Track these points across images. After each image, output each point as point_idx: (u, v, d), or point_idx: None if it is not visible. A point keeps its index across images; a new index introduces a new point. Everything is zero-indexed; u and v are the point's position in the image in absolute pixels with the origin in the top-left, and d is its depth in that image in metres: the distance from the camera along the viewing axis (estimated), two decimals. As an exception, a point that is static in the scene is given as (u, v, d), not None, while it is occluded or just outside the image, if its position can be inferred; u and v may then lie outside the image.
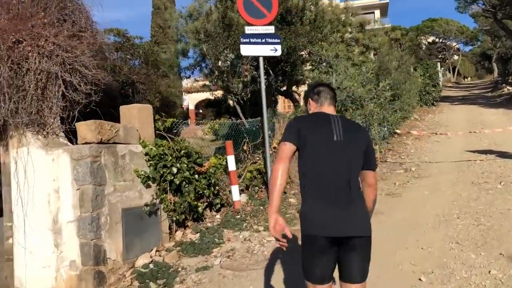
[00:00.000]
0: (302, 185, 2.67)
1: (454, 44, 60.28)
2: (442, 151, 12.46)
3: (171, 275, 4.87)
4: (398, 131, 11.46)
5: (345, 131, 2.66)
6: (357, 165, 2.68)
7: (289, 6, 9.94)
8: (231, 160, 6.78)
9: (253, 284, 4.49)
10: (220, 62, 10.44)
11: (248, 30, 7.07)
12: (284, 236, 2.54)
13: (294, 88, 14.11)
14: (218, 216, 6.68)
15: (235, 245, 5.66)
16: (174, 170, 5.75)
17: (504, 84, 38.32)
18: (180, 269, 5.04)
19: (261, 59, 7.21)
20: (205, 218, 6.56)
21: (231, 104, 11.23)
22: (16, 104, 5.21)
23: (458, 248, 4.96)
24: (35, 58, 5.30)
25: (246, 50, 7.08)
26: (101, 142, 5.02)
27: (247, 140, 7.62)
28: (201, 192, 6.26)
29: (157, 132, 6.04)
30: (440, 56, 56.80)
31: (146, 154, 5.56)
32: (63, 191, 5.00)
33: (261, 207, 6.97)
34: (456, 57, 63.34)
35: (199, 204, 6.27)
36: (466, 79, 63.90)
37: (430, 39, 57.41)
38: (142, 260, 5.21)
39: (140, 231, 5.41)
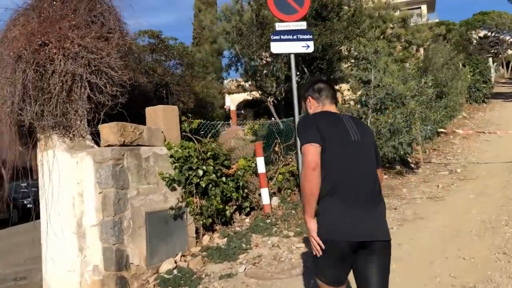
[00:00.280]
0: (321, 187, 2.38)
1: (508, 38, 57.41)
2: (492, 151, 11.74)
3: (193, 282, 4.69)
4: (442, 130, 10.85)
5: (359, 130, 2.51)
6: (376, 165, 2.55)
7: (325, 1, 9.58)
8: (260, 162, 6.54)
9: (277, 295, 4.25)
10: (253, 62, 10.23)
11: (279, 26, 6.82)
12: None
13: (337, 86, 13.69)
14: (247, 220, 6.47)
15: (262, 251, 5.42)
16: (200, 172, 5.59)
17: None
18: (203, 276, 4.86)
19: (292, 57, 6.93)
20: (234, 222, 6.37)
21: (269, 104, 10.98)
22: (42, 106, 5.20)
23: (505, 259, 4.50)
24: (60, 60, 5.27)
25: (277, 47, 6.83)
26: (124, 145, 4.92)
27: (279, 141, 7.36)
28: (229, 195, 6.06)
29: (184, 133, 5.89)
30: (492, 51, 54.25)
31: (171, 156, 5.42)
32: (86, 194, 4.94)
33: (293, 211, 6.69)
34: (510, 51, 60.40)
35: (227, 207, 6.08)
36: (522, 74, 60.71)
37: (482, 34, 54.94)
38: (166, 266, 5.07)
39: (165, 235, 5.28)
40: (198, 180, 5.59)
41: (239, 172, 6.30)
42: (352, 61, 11.95)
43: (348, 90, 10.31)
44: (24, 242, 5.56)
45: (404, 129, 8.46)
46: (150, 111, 5.64)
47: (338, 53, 10.45)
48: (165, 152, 5.40)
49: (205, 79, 13.64)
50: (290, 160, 7.55)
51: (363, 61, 10.28)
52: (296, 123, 6.90)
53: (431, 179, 9.05)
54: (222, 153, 6.15)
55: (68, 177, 5.11)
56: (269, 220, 6.33)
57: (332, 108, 2.64)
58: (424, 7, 40.55)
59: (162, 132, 5.46)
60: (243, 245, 5.59)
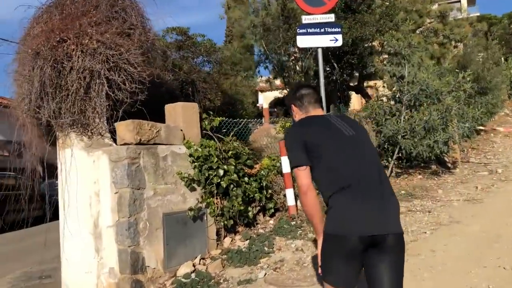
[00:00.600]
0: (326, 192, 2.31)
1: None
2: (536, 151, 11.03)
3: (211, 287, 4.47)
4: (482, 127, 10.26)
5: (350, 125, 2.48)
6: (378, 156, 2.49)
7: (355, -8, 9.20)
8: (285, 161, 6.26)
9: (298, 304, 3.97)
10: (279, 57, 9.93)
11: (306, 19, 6.53)
12: None
13: (366, 83, 13.23)
14: (271, 221, 6.21)
15: (285, 255, 5.14)
16: (221, 172, 5.37)
17: None
18: (222, 280, 4.63)
19: (319, 51, 6.62)
20: (257, 224, 6.12)
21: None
22: (59, 104, 5.10)
23: (551, 270, 4.07)
24: (78, 57, 5.16)
25: (303, 41, 6.54)
26: (140, 143, 4.75)
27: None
28: (251, 195, 5.82)
29: (204, 132, 5.68)
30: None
31: (190, 155, 5.22)
32: (103, 194, 4.80)
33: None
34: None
35: (249, 208, 5.84)
36: None
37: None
38: (184, 269, 4.87)
39: (184, 237, 5.08)
40: (219, 180, 5.37)
41: (262, 172, 6.05)
42: (386, 56, 11.51)
43: (383, 87, 9.88)
44: (54, 239, 5.52)
45: (440, 127, 7.98)
46: (170, 108, 5.45)
47: (370, 48, 10.01)
48: (184, 151, 5.20)
49: (234, 77, 13.46)
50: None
51: (397, 56, 9.84)
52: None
53: (469, 179, 8.53)
54: (245, 152, 5.90)
55: (85, 176, 4.99)
56: (294, 222, 6.04)
57: (317, 112, 2.59)
58: (464, 1, 39.07)
59: (181, 130, 5.27)
60: (265, 249, 5.33)
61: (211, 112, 5.79)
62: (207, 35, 10.57)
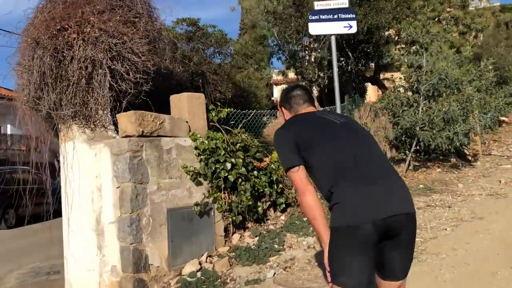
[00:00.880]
0: (326, 186, 2.15)
1: None
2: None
3: (216, 287, 4.23)
4: (504, 118, 9.83)
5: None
6: (374, 139, 2.42)
7: (370, -23, 8.80)
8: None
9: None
10: (291, 46, 9.61)
11: (318, 5, 6.22)
12: None
13: (382, 74, 12.81)
14: (282, 217, 5.94)
15: (296, 253, 4.88)
16: (228, 165, 5.12)
17: None
18: (229, 280, 4.39)
19: (333, 39, 6.30)
20: (267, 219, 5.86)
21: (315, 93, 10.34)
22: (60, 95, 4.91)
23: None
24: (79, 46, 4.95)
25: (316, 28, 6.22)
26: (142, 135, 4.52)
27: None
28: (261, 190, 5.56)
29: (211, 123, 5.43)
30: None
31: (196, 148, 4.98)
32: (104, 189, 4.60)
33: (333, 208, 6.10)
34: None
35: (259, 203, 5.59)
36: None
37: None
38: (189, 267, 4.65)
39: (190, 234, 4.85)
40: (226, 174, 5.12)
41: (272, 165, 5.78)
42: (403, 45, 11.10)
43: (400, 78, 9.51)
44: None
45: (460, 118, 7.61)
46: (175, 99, 5.21)
47: (386, 37, 9.63)
48: (189, 144, 4.96)
49: (246, 69, 13.17)
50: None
51: (414, 44, 9.45)
52: (337, 111, 6.28)
53: (492, 173, 8.14)
54: (254, 145, 5.64)
55: (87, 170, 4.80)
56: (306, 218, 5.77)
57: (307, 111, 2.50)
58: (486, -11, 37.99)
59: (187, 122, 5.02)
60: (275, 246, 5.08)
61: (219, 103, 5.53)
62: (222, 29, 10.31)
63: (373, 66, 11.63)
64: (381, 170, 2.18)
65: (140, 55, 5.22)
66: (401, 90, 9.14)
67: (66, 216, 5.07)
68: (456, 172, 8.27)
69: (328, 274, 2.13)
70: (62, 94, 4.89)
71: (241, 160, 5.24)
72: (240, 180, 5.27)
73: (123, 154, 4.38)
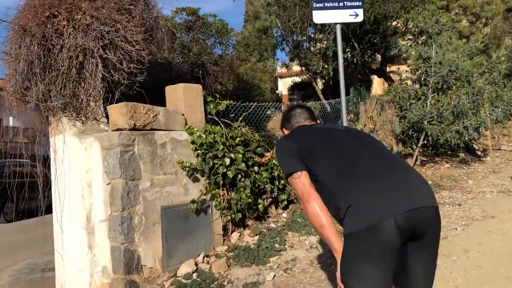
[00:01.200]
0: (337, 192, 1.90)
1: None
2: None
3: (212, 291, 3.98)
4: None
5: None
6: (382, 143, 2.31)
7: (378, -36, 8.44)
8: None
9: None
10: (295, 36, 9.28)
11: (322, -8, 5.89)
12: None
13: (389, 67, 12.45)
14: (284, 214, 5.68)
15: (297, 253, 4.62)
16: (227, 161, 4.85)
17: None
18: (226, 282, 4.13)
19: (338, 28, 5.99)
20: (269, 217, 5.60)
21: (315, 85, 10.00)
22: (49, 86, 4.64)
23: None
24: (69, 34, 4.67)
25: (320, 17, 5.93)
26: (135, 129, 4.25)
27: (323, 125, 6.46)
28: (262, 187, 5.30)
29: (209, 116, 5.16)
30: None
31: (193, 142, 4.71)
32: (95, 185, 4.34)
33: (337, 205, 5.83)
34: None
35: (260, 200, 5.33)
36: None
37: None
38: (185, 268, 4.39)
39: (186, 232, 4.59)
40: (225, 170, 4.86)
41: (274, 160, 5.50)
42: (410, 37, 10.76)
43: (406, 71, 9.19)
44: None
45: (470, 111, 7.30)
46: (170, 91, 4.94)
47: (394, 27, 9.29)
48: (185, 138, 4.69)
49: (250, 62, 12.85)
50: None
51: (423, 35, 9.13)
52: (342, 104, 6.00)
53: (503, 169, 7.84)
54: (254, 139, 5.37)
55: (77, 165, 4.55)
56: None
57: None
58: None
59: (183, 114, 4.75)
60: (276, 245, 4.82)
61: (217, 95, 5.26)
62: (227, 21, 9.95)
63: (380, 58, 11.30)
64: (396, 164, 1.97)
65: (134, 43, 4.94)
66: (409, 82, 8.82)
67: (56, 212, 4.84)
68: (465, 168, 7.97)
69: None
70: (51, 85, 4.62)
71: (240, 155, 4.97)
72: (239, 176, 5.01)
73: (113, 148, 4.12)
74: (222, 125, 5.07)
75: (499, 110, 7.99)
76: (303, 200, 1.98)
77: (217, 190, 4.86)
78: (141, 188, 4.24)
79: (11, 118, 19.22)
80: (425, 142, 8.04)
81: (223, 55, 9.56)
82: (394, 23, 9.61)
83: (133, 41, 4.96)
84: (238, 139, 5.06)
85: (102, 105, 4.97)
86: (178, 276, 4.34)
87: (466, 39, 10.35)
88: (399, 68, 12.79)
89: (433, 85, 7.72)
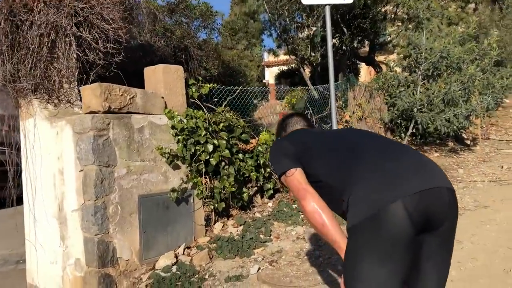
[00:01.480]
0: (337, 185, 1.68)
1: None
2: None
3: (192, 285, 3.73)
4: (507, 100, 9.39)
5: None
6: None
7: None
8: (286, 136, 5.46)
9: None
10: (283, 20, 8.96)
11: (311, -28, 5.61)
12: None
13: (377, 57, 12.23)
14: (270, 204, 5.45)
15: (283, 244, 4.39)
16: (210, 147, 4.58)
17: None
18: (207, 276, 3.89)
19: (327, 9, 5.71)
20: (254, 207, 5.36)
21: (302, 71, 9.72)
22: (17, 65, 4.31)
23: None
24: (39, 10, 4.34)
25: (309, -2, 5.64)
26: (110, 111, 3.95)
27: (310, 111, 6.23)
28: (247, 175, 5.06)
29: (192, 100, 4.87)
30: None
31: (173, 127, 4.43)
32: (67, 172, 4.04)
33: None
34: None
35: (244, 189, 5.08)
36: None
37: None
38: (164, 261, 4.14)
39: (165, 223, 4.33)
40: (208, 157, 4.59)
41: (259, 147, 5.26)
42: (399, 24, 10.54)
43: (394, 60, 8.98)
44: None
45: (461, 99, 7.12)
46: (149, 72, 4.63)
47: (384, 12, 9.05)
48: (165, 122, 4.41)
49: (236, 47, 12.54)
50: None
51: (413, 21, 8.92)
52: (331, 90, 5.75)
53: (493, 158, 7.71)
54: (239, 125, 5.10)
55: (48, 151, 4.24)
56: (295, 205, 5.28)
57: None
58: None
59: (162, 97, 4.46)
60: (261, 236, 4.59)
61: (200, 78, 4.97)
62: (212, 5, 9.59)
63: (368, 46, 11.07)
64: (403, 148, 1.74)
65: (110, 21, 4.63)
66: (398, 69, 8.62)
67: (28, 201, 4.53)
68: (455, 157, 7.82)
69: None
70: (20, 64, 4.29)
71: (224, 142, 4.70)
72: (223, 163, 4.75)
73: (86, 132, 3.82)
74: (204, 110, 4.80)
75: (489, 98, 7.82)
76: (299, 198, 1.75)
77: (199, 178, 4.59)
78: (116, 175, 3.95)
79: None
80: (414, 130, 7.86)
81: (208, 39, 9.24)
82: (384, 8, 9.36)
83: (110, 19, 4.65)
84: (222, 124, 4.80)
85: (76, 87, 4.65)
86: (157, 269, 4.08)
87: (455, 25, 10.13)
88: (386, 58, 12.61)
89: (424, 72, 7.53)
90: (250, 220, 4.97)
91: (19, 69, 4.30)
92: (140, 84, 4.96)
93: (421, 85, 7.56)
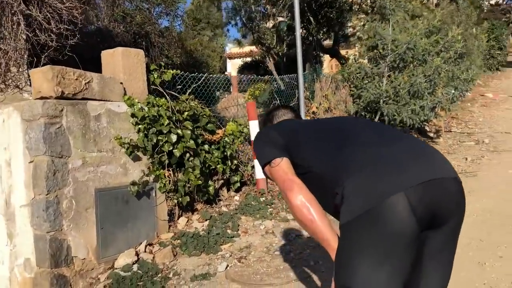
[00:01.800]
0: (328, 174, 1.46)
1: (520, 5, 55.84)
2: (519, 120, 10.42)
3: (155, 285, 3.46)
4: (469, 93, 9.53)
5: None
6: None
7: None
8: (254, 127, 5.24)
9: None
10: (248, 7, 8.71)
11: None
12: None
13: (341, 50, 12.18)
14: (236, 197, 5.22)
15: (252, 240, 4.18)
16: (173, 137, 4.29)
17: None
18: (171, 274, 3.62)
19: (296, -4, 5.53)
20: (220, 200, 5.12)
21: (268, 61, 9.50)
22: (-44, 45, 3.89)
23: None
24: (-18, -16, 3.93)
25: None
26: (63, 97, 3.59)
27: (278, 102, 6.03)
28: (213, 167, 4.80)
29: (154, 87, 4.56)
30: (503, 19, 52.27)
31: (133, 115, 4.11)
32: (14, 163, 3.66)
33: (293, 187, 5.44)
34: (521, 20, 58.72)
35: (210, 182, 4.83)
36: (530, 45, 59.33)
37: (493, 1, 52.81)
38: (124, 259, 3.83)
39: (125, 219, 4.02)
40: (171, 148, 4.31)
41: (226, 138, 5.02)
42: (363, 16, 10.50)
43: (355, 54, 8.91)
44: None
45: (426, 91, 7.10)
46: (107, 56, 4.28)
47: (350, 2, 8.96)
48: (124, 110, 4.08)
49: (200, 35, 12.20)
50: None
51: (378, 12, 8.85)
52: (299, 80, 5.57)
53: (456, 150, 7.77)
54: (205, 114, 4.84)
55: (-6, 141, 3.84)
56: (263, 199, 5.08)
57: None
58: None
59: (121, 83, 4.13)
60: (228, 231, 4.35)
61: (162, 63, 4.66)
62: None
63: (333, 37, 10.98)
64: (402, 134, 1.58)
65: (64, 0, 4.26)
66: (364, 61, 8.54)
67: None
68: (419, 149, 7.83)
69: None
70: (-40, 44, 3.88)
71: (189, 132, 4.43)
72: (188, 155, 4.48)
73: (36, 120, 3.45)
74: (168, 97, 4.50)
75: (453, 91, 7.86)
76: (285, 190, 1.53)
77: (161, 170, 4.30)
78: (70, 167, 3.60)
79: None
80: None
81: (170, 27, 8.89)
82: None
83: (63, -3, 4.29)
84: (186, 113, 4.52)
85: (26, 71, 4.27)
86: (116, 268, 3.77)
87: (418, 18, 10.19)
88: (347, 52, 12.59)
89: (390, 63, 7.46)
90: (216, 215, 4.73)
91: (-41, 49, 3.89)
92: (98, 71, 4.62)
93: (387, 77, 7.49)
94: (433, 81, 7.12)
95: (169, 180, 4.37)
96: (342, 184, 1.36)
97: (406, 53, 7.19)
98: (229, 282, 3.33)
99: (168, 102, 4.43)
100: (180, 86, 5.26)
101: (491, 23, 25.06)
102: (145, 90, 4.37)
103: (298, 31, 5.48)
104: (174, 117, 4.40)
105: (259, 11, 8.67)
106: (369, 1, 9.00)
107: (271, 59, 9.27)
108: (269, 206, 4.91)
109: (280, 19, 9.37)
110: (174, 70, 4.73)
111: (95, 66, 4.67)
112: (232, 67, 32.28)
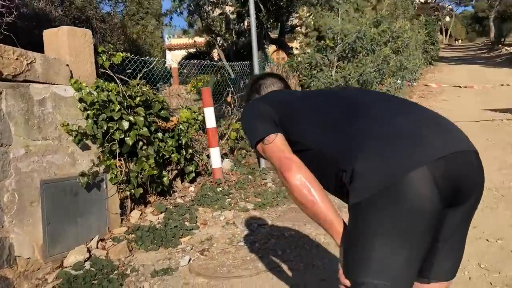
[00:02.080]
0: (331, 151, 1.31)
1: (447, 4, 59.22)
2: (457, 111, 10.83)
3: (113, 282, 3.18)
4: (415, 83, 9.82)
5: None
6: None
7: None
8: (209, 114, 5.03)
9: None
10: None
11: None
12: None
13: (288, 43, 12.19)
14: (192, 188, 5.00)
15: (213, 231, 3.98)
16: (125, 124, 3.99)
17: (500, 45, 37.38)
18: (129, 271, 3.35)
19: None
20: (174, 192, 4.87)
21: (217, 48, 9.25)
22: None
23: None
24: None
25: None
26: (1, 79, 3.21)
27: (232, 89, 5.84)
28: (167, 156, 4.55)
29: (102, 71, 4.22)
30: (432, 17, 55.21)
31: (81, 100, 3.76)
32: None
33: (250, 176, 5.30)
34: (448, 18, 62.18)
35: (164, 173, 4.57)
36: (457, 42, 63.22)
37: (423, -1, 55.60)
38: (74, 257, 3.51)
39: (74, 213, 3.68)
40: (123, 136, 4.00)
41: (181, 126, 4.77)
42: (311, 8, 10.53)
43: (309, 42, 8.90)
44: None
45: (375, 80, 7.20)
46: (50, 35, 3.89)
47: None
48: (71, 94, 3.73)
49: (143, 23, 11.73)
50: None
51: (325, 5, 8.91)
52: (255, 66, 5.42)
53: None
54: (158, 100, 4.56)
55: None
56: (220, 189, 4.89)
57: None
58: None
59: (67, 65, 3.77)
60: (187, 224, 4.13)
61: (111, 45, 4.33)
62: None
63: (279, 27, 10.93)
64: (409, 102, 1.42)
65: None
66: (311, 51, 8.55)
67: None
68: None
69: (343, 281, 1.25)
70: None
71: (142, 119, 4.14)
72: (141, 143, 4.19)
73: (-30, 103, 3.06)
74: (118, 81, 4.18)
75: (398, 81, 8.05)
76: (283, 169, 1.35)
77: (112, 160, 3.98)
78: (12, 156, 3.23)
79: None
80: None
81: (112, 12, 8.43)
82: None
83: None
84: (138, 98, 4.22)
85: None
86: (66, 267, 3.44)
87: (361, 12, 10.39)
88: (292, 42, 12.62)
89: (339, 53, 7.51)
90: (171, 207, 4.48)
91: None
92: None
93: (336, 66, 7.53)
94: (381, 70, 7.23)
95: (121, 171, 4.07)
96: (350, 161, 1.22)
97: (355, 42, 7.25)
98: (194, 276, 3.12)
99: (118, 86, 4.12)
100: (130, 70, 4.94)
101: (425, 19, 26.25)
102: (93, 73, 4.03)
103: (253, 16, 5.31)
104: (125, 103, 4.10)
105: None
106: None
107: (219, 47, 9.04)
108: (226, 197, 4.72)
109: (228, 8, 9.17)
110: (124, 53, 4.41)
111: (34, 49, 4.26)
112: (173, 59, 31.60)
